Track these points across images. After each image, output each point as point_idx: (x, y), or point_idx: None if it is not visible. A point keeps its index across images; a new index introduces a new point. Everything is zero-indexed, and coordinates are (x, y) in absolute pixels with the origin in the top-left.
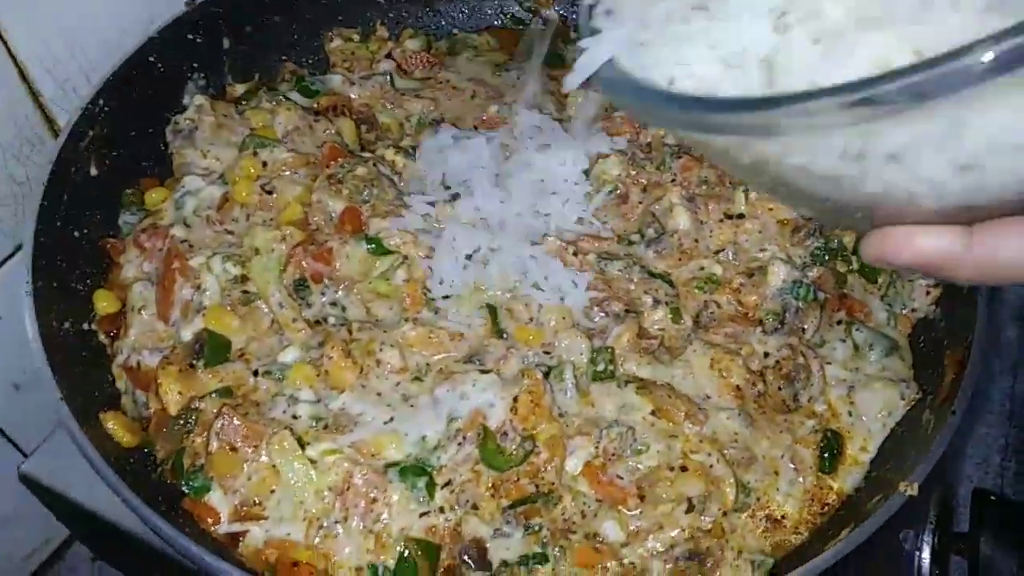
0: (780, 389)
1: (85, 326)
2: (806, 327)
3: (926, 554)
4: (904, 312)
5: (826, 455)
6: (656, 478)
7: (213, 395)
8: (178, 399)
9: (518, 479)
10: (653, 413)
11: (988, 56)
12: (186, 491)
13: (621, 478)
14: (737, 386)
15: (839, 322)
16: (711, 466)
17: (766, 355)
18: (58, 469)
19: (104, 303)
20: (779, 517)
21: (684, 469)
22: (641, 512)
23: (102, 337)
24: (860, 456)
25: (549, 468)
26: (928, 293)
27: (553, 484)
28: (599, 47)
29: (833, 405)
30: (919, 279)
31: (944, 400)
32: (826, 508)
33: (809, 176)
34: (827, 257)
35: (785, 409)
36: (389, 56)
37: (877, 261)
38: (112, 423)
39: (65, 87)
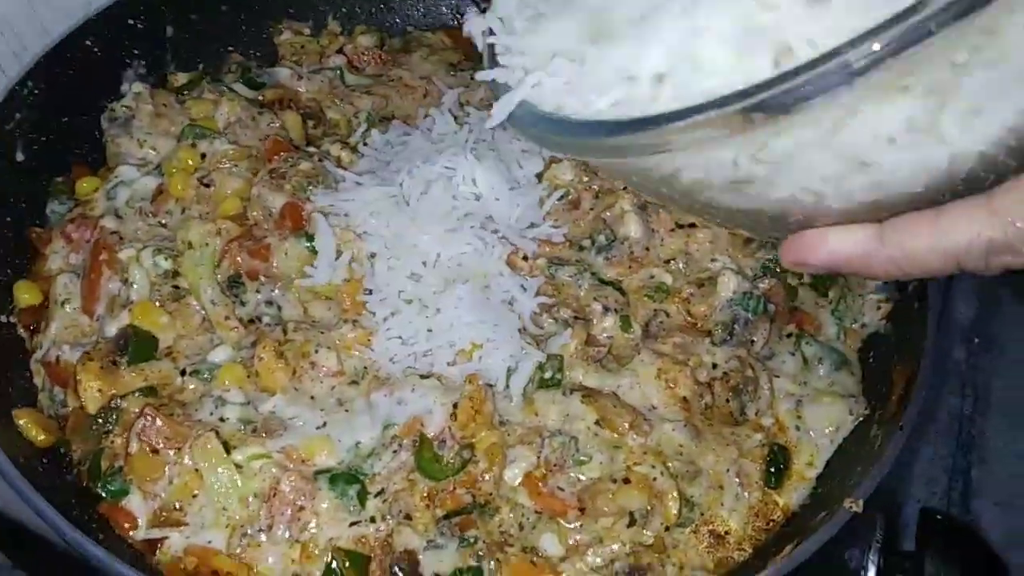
0: (728, 401)
1: (3, 318)
2: (755, 339)
3: (871, 573)
4: (854, 327)
5: (772, 470)
6: (597, 490)
7: (136, 394)
8: (98, 397)
9: (454, 489)
10: (597, 423)
11: (852, 60)
12: (103, 494)
13: (562, 489)
14: (684, 397)
15: (789, 335)
16: (654, 479)
17: (714, 366)
18: None
19: (26, 295)
20: (723, 533)
21: (627, 481)
22: (581, 525)
23: (21, 331)
24: (806, 471)
25: (487, 478)
26: (879, 308)
27: (491, 495)
28: (514, 93)
29: (781, 419)
30: (870, 293)
31: (892, 416)
32: (771, 524)
33: (711, 189)
34: (778, 269)
35: (732, 422)
36: (340, 51)
37: (795, 265)
38: (25, 420)
39: None
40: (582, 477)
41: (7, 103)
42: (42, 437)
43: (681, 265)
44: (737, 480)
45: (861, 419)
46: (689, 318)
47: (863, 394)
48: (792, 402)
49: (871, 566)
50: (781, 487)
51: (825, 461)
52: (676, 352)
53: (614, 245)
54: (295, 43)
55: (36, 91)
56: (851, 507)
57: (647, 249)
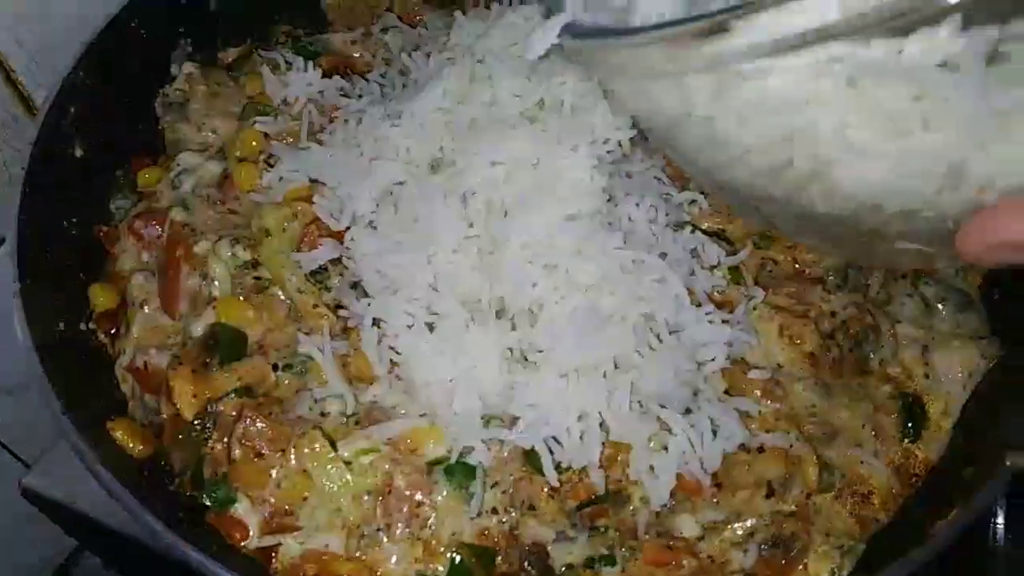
0: (850, 351)
1: (82, 325)
2: (870, 283)
3: (1000, 519)
4: (973, 264)
5: (909, 423)
6: (732, 463)
7: (231, 395)
8: (193, 402)
9: (581, 479)
10: (727, 392)
11: None
12: (209, 504)
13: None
14: (811, 352)
15: (903, 276)
16: (790, 445)
17: (833, 314)
18: (63, 480)
19: (101, 298)
20: (866, 493)
21: (761, 451)
22: (718, 502)
23: (101, 336)
24: (942, 421)
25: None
26: None
27: (620, 481)
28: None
29: (908, 367)
30: None
31: None
32: (914, 480)
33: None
34: None
35: (860, 373)
36: (389, 9)
37: (983, 254)
38: (121, 432)
39: (39, 59)
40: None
41: (61, 96)
42: (140, 448)
43: None
44: (874, 435)
45: (994, 362)
46: (796, 266)
47: (993, 334)
48: (918, 348)
49: (999, 511)
50: (920, 439)
51: (960, 409)
52: (792, 304)
53: (708, 195)
54: (343, 5)
55: (88, 81)
56: (1010, 464)
57: None
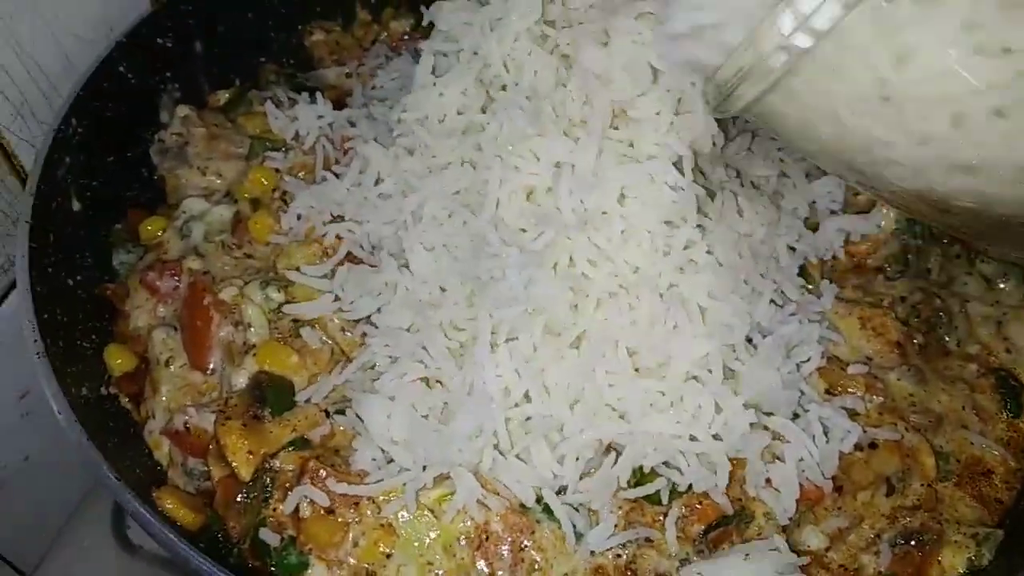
0: (927, 334)
1: (103, 390)
2: (930, 267)
3: None
4: None
5: (1007, 399)
6: (848, 463)
7: (289, 448)
8: (250, 459)
9: (700, 502)
10: (828, 391)
11: None
12: (277, 572)
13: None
14: (897, 341)
15: (957, 256)
16: (901, 437)
17: (903, 300)
18: None
19: (119, 360)
20: (985, 472)
21: (874, 447)
22: (840, 508)
23: (124, 400)
24: None
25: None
26: None
27: (740, 500)
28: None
29: (986, 344)
30: None
31: None
32: None
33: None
34: None
35: (943, 355)
36: (375, 42)
37: None
38: (171, 503)
39: (23, 112)
40: None
41: (55, 148)
42: (192, 517)
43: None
44: (976, 415)
45: None
46: (854, 258)
47: None
48: (992, 325)
49: None
50: (1022, 412)
51: None
52: (861, 296)
53: None
54: (329, 41)
55: (79, 130)
56: None
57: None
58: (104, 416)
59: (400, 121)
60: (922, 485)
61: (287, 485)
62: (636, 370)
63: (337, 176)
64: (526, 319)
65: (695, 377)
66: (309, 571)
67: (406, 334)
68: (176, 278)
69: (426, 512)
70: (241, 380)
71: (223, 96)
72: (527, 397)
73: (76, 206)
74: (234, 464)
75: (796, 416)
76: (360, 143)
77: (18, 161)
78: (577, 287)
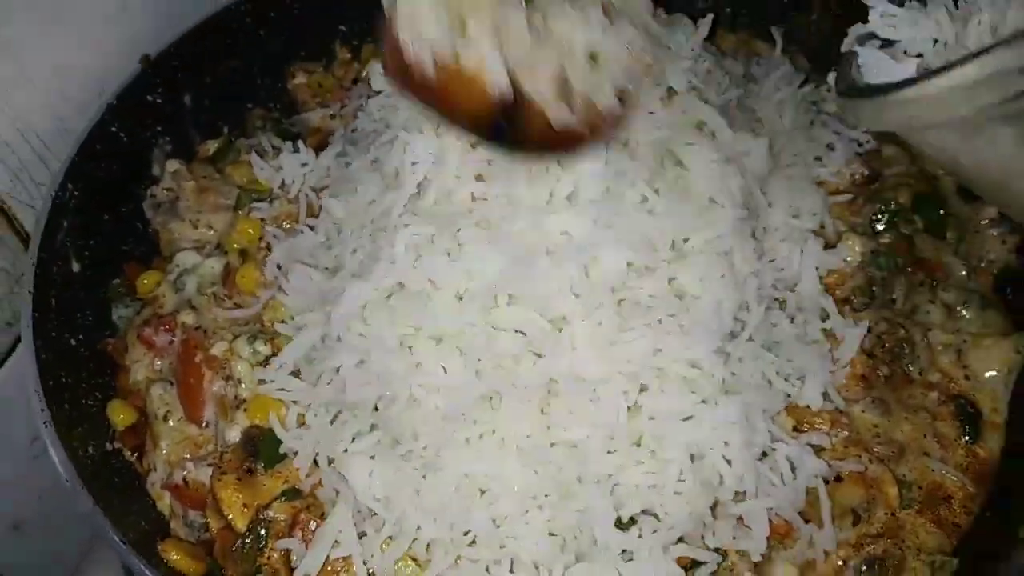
0: (890, 363)
1: (108, 446)
2: (895, 297)
3: None
4: (981, 265)
5: (967, 425)
6: (815, 496)
7: (281, 499)
8: (245, 512)
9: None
10: (795, 428)
11: None
12: None
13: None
14: (863, 375)
15: (920, 284)
16: (865, 469)
17: (869, 330)
18: None
19: (121, 415)
20: (945, 497)
21: (839, 480)
22: (810, 539)
23: (127, 454)
24: (994, 417)
25: None
26: (1004, 242)
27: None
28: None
29: (947, 372)
30: (988, 228)
31: None
32: (984, 478)
33: None
34: (892, 219)
35: (906, 384)
36: (356, 81)
37: None
38: (175, 554)
39: (21, 176)
40: None
41: (54, 214)
42: (194, 567)
43: None
44: (937, 443)
45: None
46: None
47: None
48: (952, 353)
49: None
50: (980, 438)
51: (1007, 406)
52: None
53: None
54: (311, 83)
55: (76, 193)
56: None
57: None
58: (110, 472)
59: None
60: (885, 513)
61: (280, 534)
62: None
63: (311, 228)
64: None
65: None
66: None
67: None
68: (171, 333)
69: (410, 562)
70: (234, 434)
71: (212, 146)
72: None
73: (75, 267)
74: (230, 517)
75: (764, 455)
76: (325, 197)
77: (18, 222)
78: None
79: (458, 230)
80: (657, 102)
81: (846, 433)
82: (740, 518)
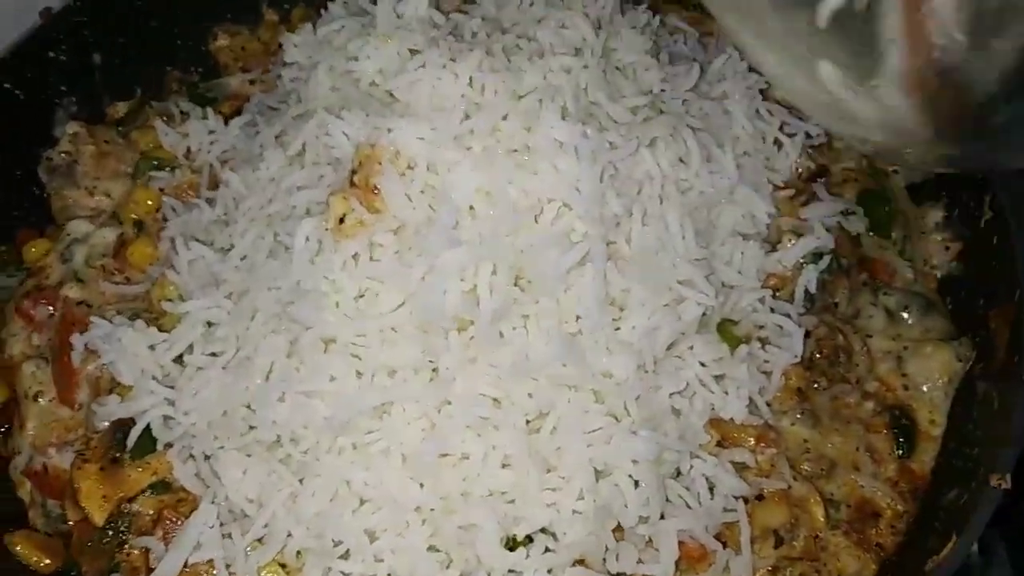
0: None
1: None
2: (837, 300)
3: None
4: (926, 269)
5: (901, 438)
6: (732, 519)
7: (148, 492)
8: (104, 505)
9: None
10: (719, 444)
11: None
12: None
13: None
14: (799, 388)
15: (864, 284)
16: (788, 486)
17: (807, 335)
18: None
19: None
20: (872, 514)
21: (760, 498)
22: (728, 562)
23: None
24: (932, 430)
25: None
26: (947, 248)
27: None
28: None
29: (885, 380)
30: (932, 233)
31: (1004, 365)
32: (915, 494)
33: None
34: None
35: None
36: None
37: None
38: (21, 546)
39: None
40: None
41: None
42: (46, 562)
43: None
44: (869, 458)
45: (970, 363)
46: None
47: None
48: (892, 360)
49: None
50: (914, 453)
51: (946, 415)
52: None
53: None
54: (234, 46)
55: None
56: (999, 484)
57: None
58: None
59: None
60: (810, 536)
61: (143, 530)
62: None
63: (209, 202)
64: None
65: None
66: None
67: None
68: (51, 307)
69: (279, 569)
70: (104, 421)
71: (121, 109)
72: None
73: None
74: (87, 510)
75: (679, 473)
76: (227, 170)
77: None
78: None
79: None
80: None
81: (773, 450)
82: (649, 540)
